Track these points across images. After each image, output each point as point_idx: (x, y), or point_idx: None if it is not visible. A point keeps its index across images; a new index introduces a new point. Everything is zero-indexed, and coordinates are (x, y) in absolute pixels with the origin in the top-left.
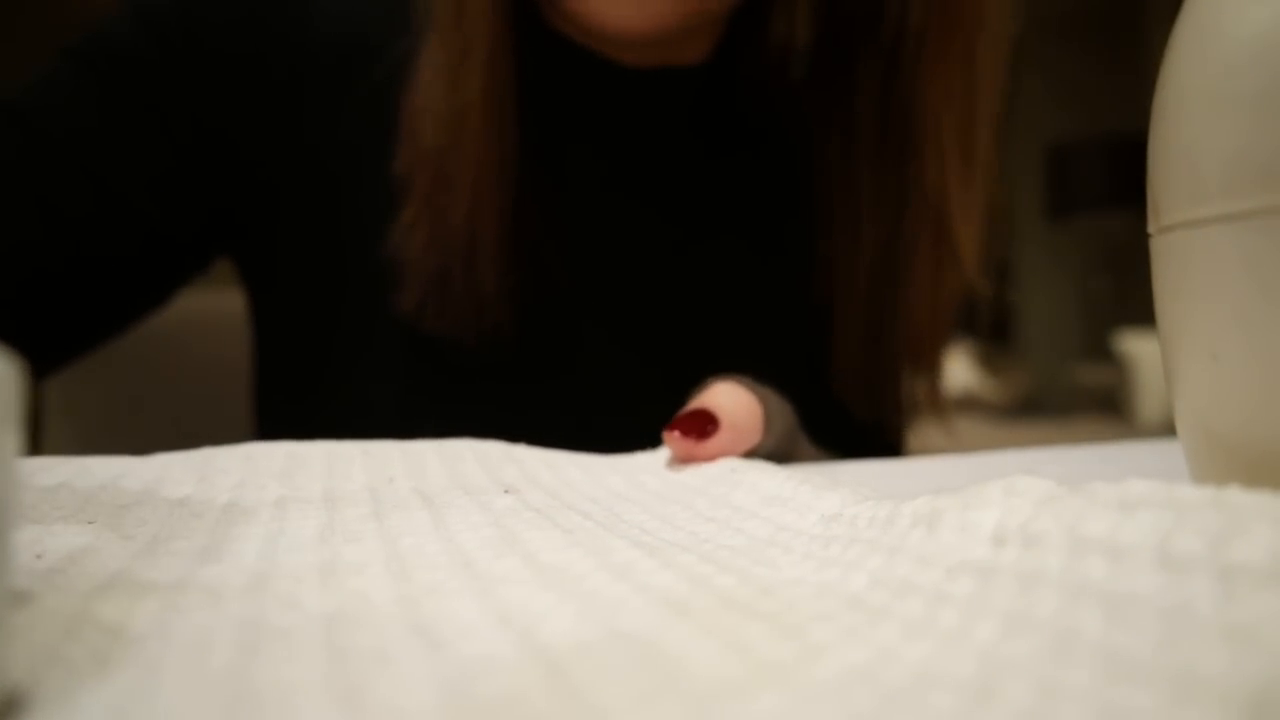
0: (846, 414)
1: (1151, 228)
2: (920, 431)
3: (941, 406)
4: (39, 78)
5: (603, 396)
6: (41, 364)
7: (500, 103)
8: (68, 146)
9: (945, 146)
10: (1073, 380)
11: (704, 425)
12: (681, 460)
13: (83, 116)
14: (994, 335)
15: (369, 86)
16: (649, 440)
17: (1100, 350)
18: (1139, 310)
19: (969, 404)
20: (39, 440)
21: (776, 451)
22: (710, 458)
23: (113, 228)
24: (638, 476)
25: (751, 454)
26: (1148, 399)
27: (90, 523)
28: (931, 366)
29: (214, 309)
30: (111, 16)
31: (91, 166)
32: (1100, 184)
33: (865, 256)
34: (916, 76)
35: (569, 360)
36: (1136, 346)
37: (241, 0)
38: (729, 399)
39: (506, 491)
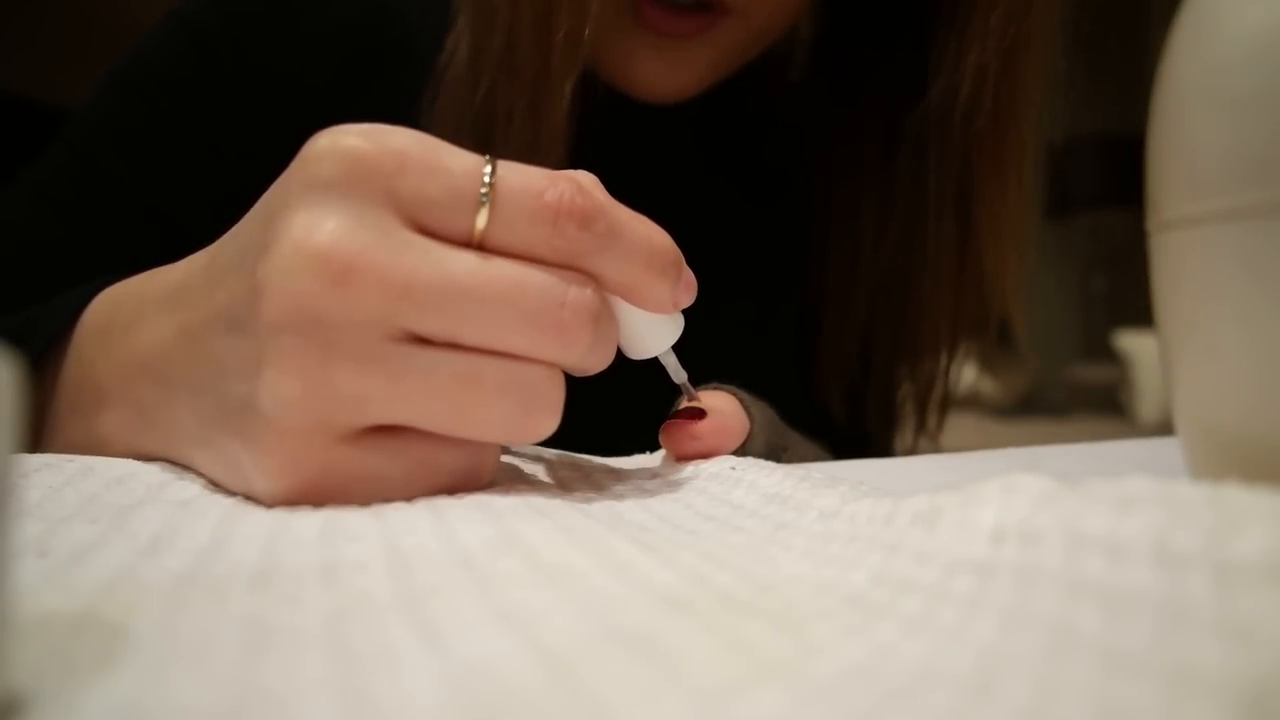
0: (830, 424)
1: (1150, 225)
2: (909, 440)
3: (941, 416)
4: (93, 108)
5: (599, 416)
6: None
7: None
8: (129, 185)
9: (983, 186)
10: (1072, 379)
11: (693, 417)
12: (677, 455)
13: (141, 153)
14: (994, 334)
15: (410, 85)
16: (646, 446)
17: (1099, 349)
18: (1138, 309)
19: (969, 402)
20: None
21: (770, 441)
22: (704, 447)
23: (173, 257)
24: (637, 476)
25: (745, 450)
26: (1146, 398)
27: (94, 522)
28: (940, 378)
29: None
30: (159, 34)
31: (152, 202)
32: (1099, 183)
33: (864, 275)
34: (964, 145)
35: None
36: (1135, 345)
37: (283, 9)
38: (704, 395)
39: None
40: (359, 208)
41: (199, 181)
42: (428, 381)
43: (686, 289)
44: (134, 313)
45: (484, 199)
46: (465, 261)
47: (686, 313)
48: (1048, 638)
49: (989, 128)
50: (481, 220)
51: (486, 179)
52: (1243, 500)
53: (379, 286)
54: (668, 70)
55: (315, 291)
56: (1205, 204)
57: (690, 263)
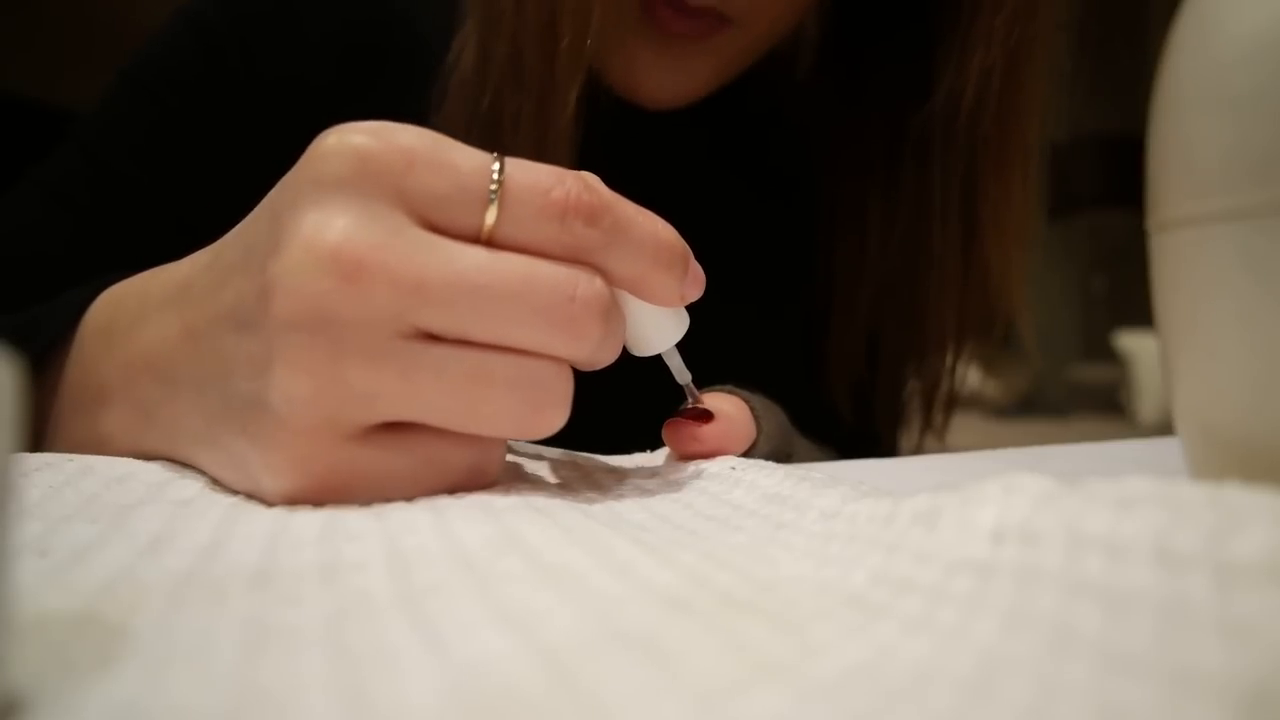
0: (837, 421)
1: (1150, 225)
2: (915, 438)
3: (946, 414)
4: (103, 108)
5: (602, 414)
6: None
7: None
8: (140, 185)
9: (984, 182)
10: (1072, 379)
11: (699, 418)
12: (680, 454)
13: (152, 153)
14: (1000, 333)
15: (416, 84)
16: (647, 444)
17: (1099, 349)
18: (1138, 309)
19: (969, 402)
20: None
21: (775, 451)
22: (708, 450)
23: (184, 256)
24: (637, 475)
25: (750, 454)
26: (1147, 397)
27: (94, 522)
28: (945, 376)
29: None
30: (166, 34)
31: (163, 202)
32: (1099, 183)
33: (870, 273)
34: (969, 142)
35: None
36: (1136, 345)
37: (289, 8)
38: (717, 399)
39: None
40: (368, 205)
41: (209, 181)
42: (438, 378)
43: (694, 282)
44: (136, 311)
45: (493, 196)
46: (475, 257)
47: (694, 312)
48: (1048, 638)
49: (994, 129)
50: (490, 217)
51: (495, 176)
52: (1243, 500)
53: (390, 284)
54: (671, 76)
55: (327, 290)
56: (1205, 204)
57: (698, 263)
